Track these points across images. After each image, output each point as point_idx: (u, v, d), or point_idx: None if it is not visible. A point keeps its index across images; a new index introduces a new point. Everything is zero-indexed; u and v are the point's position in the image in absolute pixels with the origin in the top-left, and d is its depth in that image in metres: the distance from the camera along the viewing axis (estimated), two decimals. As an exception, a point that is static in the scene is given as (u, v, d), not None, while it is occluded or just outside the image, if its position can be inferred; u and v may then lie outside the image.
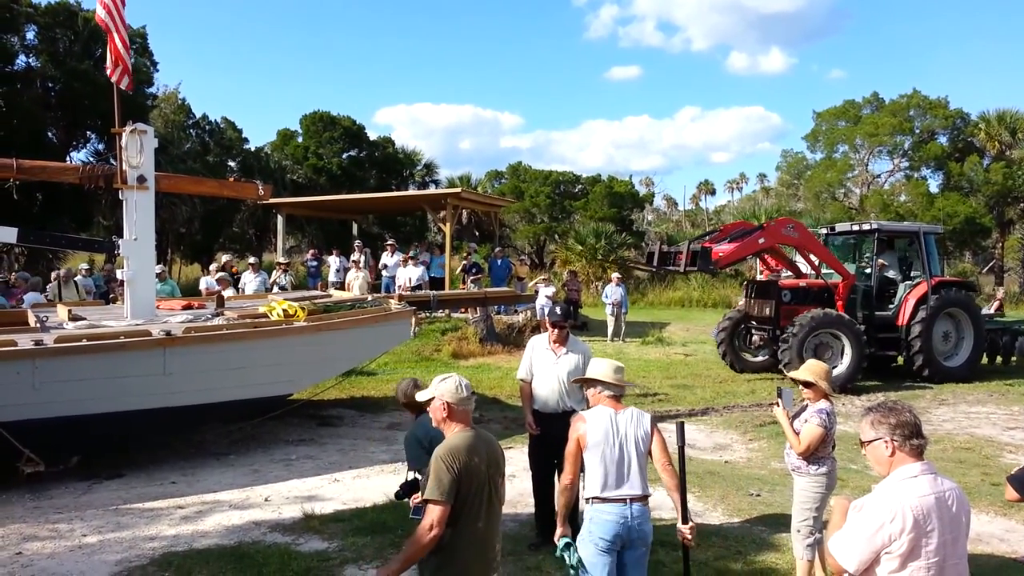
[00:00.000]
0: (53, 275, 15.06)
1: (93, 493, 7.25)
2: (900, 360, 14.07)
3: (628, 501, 3.91)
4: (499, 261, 19.83)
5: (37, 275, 16.87)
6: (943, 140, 36.29)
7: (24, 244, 14.51)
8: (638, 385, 12.94)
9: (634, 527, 3.89)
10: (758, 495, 7.24)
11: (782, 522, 6.42)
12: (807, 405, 5.04)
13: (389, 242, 20.16)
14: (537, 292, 18.04)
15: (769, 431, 9.87)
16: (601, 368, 4.15)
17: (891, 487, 2.77)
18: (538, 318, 18.12)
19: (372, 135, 37.53)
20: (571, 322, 5.73)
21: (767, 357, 14.35)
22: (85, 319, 8.80)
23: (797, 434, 4.99)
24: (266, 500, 7.06)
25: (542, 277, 20.10)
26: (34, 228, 13.29)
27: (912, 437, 2.81)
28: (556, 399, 5.81)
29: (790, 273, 14.48)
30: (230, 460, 8.46)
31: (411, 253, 18.21)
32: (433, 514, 3.27)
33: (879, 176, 38.54)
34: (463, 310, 17.05)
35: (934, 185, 35.93)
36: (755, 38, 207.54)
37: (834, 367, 12.65)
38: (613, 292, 18.18)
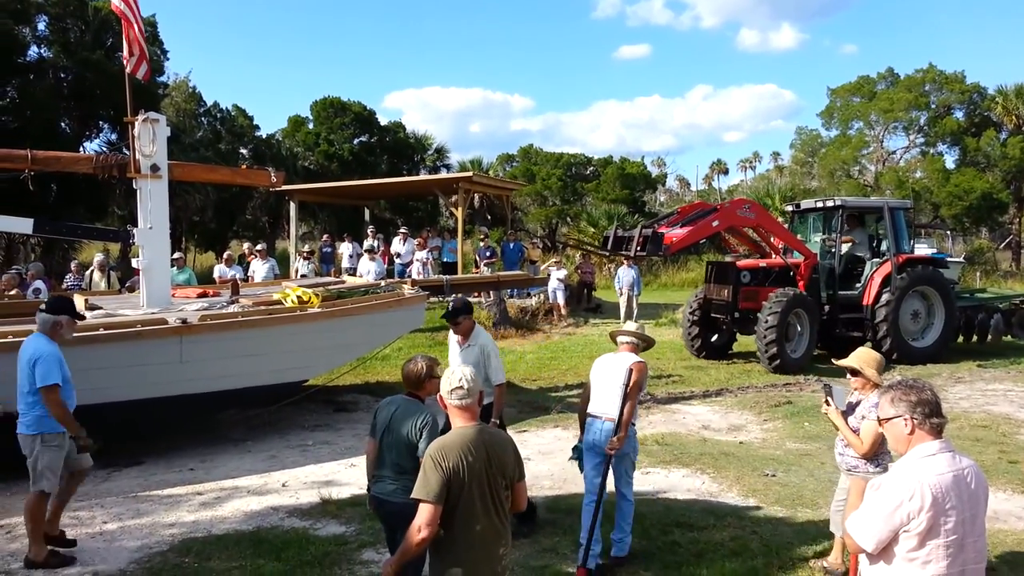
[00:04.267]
0: (73, 264, 15.15)
1: (112, 480, 7.34)
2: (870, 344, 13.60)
3: (602, 418, 5.14)
4: (511, 245, 19.82)
5: (55, 265, 17.00)
6: (959, 115, 35.80)
7: (40, 235, 14.61)
8: (652, 366, 12.90)
9: (599, 438, 5.11)
10: (773, 475, 7.22)
11: (798, 502, 6.42)
12: (859, 401, 4.68)
13: (402, 230, 20.15)
14: (549, 275, 18.04)
15: (784, 411, 9.84)
16: (627, 326, 5.55)
17: (909, 465, 2.76)
18: (550, 301, 18.15)
19: (382, 120, 37.43)
20: (473, 310, 5.87)
21: (725, 341, 14.12)
22: (102, 308, 8.87)
23: (855, 432, 4.60)
24: (283, 485, 7.13)
25: (554, 260, 20.04)
26: (49, 218, 13.38)
27: (932, 416, 2.79)
28: None
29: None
30: (247, 446, 8.54)
31: (367, 245, 17.89)
32: (422, 515, 3.13)
33: (894, 152, 38.15)
34: (476, 294, 17.08)
35: (950, 161, 35.54)
36: (765, 14, 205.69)
37: (794, 351, 12.56)
38: (625, 274, 18.12)
